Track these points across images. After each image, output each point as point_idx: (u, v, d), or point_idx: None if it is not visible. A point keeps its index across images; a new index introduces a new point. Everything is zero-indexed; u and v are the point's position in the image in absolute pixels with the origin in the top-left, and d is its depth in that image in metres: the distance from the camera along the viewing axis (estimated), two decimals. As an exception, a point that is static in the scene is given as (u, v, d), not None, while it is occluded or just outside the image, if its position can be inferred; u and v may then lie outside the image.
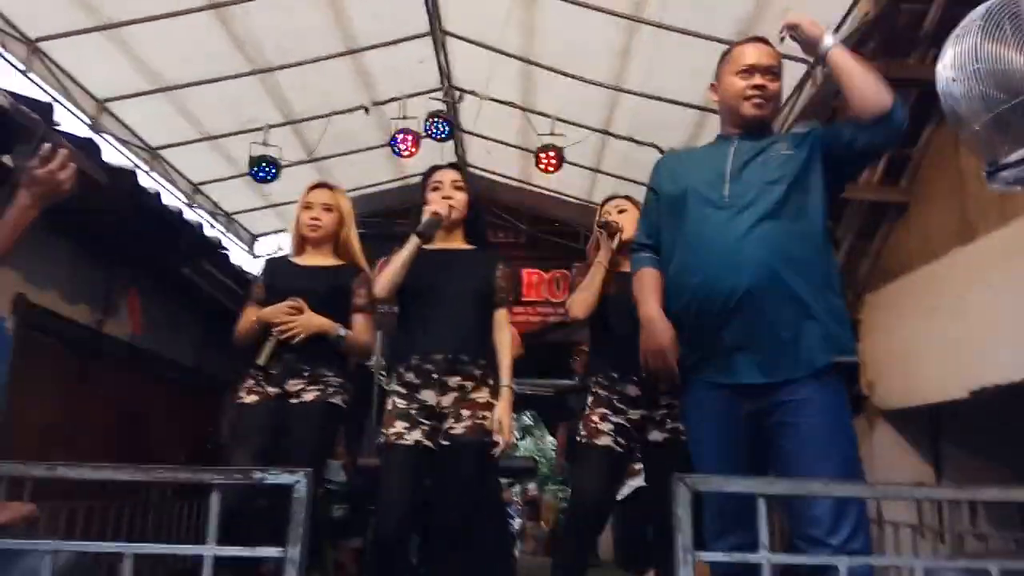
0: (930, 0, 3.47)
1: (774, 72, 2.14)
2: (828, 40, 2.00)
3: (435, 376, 2.57)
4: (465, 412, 2.56)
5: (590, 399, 2.75)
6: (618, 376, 2.69)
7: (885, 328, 3.84)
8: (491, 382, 2.63)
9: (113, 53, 4.78)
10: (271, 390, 2.77)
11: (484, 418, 2.56)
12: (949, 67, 2.18)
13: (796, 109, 4.38)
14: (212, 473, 1.42)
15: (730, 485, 1.58)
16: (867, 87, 1.95)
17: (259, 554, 1.33)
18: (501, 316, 2.72)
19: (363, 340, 2.88)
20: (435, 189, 2.78)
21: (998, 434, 3.52)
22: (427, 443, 2.55)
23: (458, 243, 2.80)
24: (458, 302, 2.63)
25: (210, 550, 1.30)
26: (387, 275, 2.62)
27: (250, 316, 2.84)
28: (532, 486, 7.51)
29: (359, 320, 2.87)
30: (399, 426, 2.54)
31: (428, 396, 2.57)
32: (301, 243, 3.01)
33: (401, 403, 2.57)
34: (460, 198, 2.76)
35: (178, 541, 4.44)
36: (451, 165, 2.94)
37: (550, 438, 11.49)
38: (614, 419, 2.66)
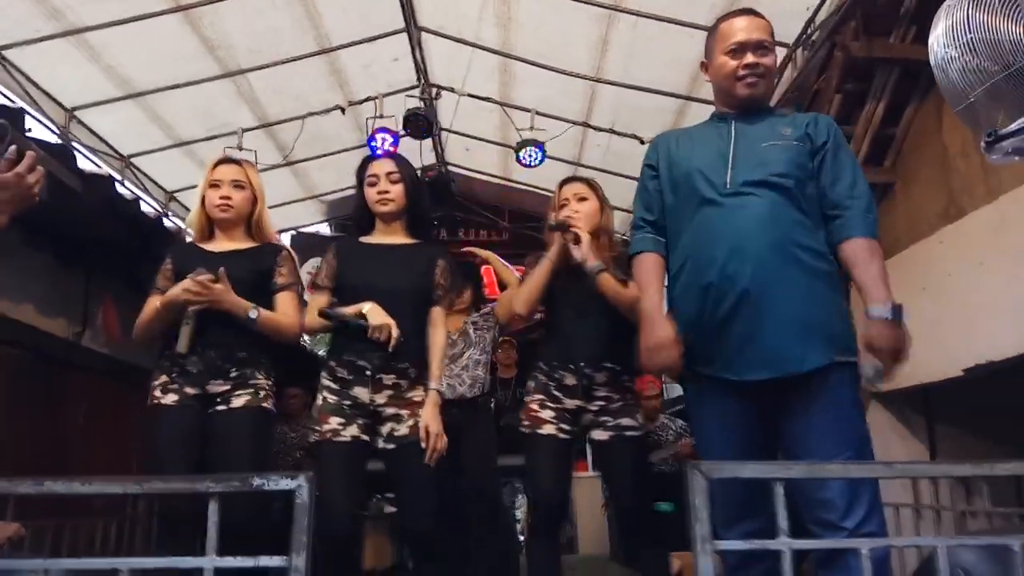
0: (910, -23, 3.45)
1: (765, 46, 2.07)
2: None
3: (368, 373, 2.50)
4: (405, 412, 2.51)
5: (530, 384, 2.67)
6: (557, 364, 2.62)
7: (875, 309, 3.81)
8: (426, 382, 2.58)
9: (80, 60, 4.64)
10: (189, 390, 2.47)
11: None
12: (942, 39, 2.15)
13: (776, 92, 4.36)
14: (208, 481, 1.37)
15: (744, 470, 1.54)
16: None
17: (262, 564, 1.27)
18: (437, 314, 2.65)
19: (285, 321, 2.61)
20: (371, 184, 2.67)
21: (992, 412, 3.52)
22: (364, 437, 2.50)
23: (398, 237, 2.70)
24: (394, 300, 2.53)
25: (210, 562, 1.24)
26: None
27: (152, 304, 2.51)
28: None
29: (283, 299, 2.63)
30: (334, 422, 2.48)
31: (361, 393, 2.50)
32: (208, 226, 2.68)
33: (332, 398, 2.51)
34: (397, 191, 2.65)
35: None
36: (385, 154, 2.80)
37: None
38: (552, 406, 2.59)
